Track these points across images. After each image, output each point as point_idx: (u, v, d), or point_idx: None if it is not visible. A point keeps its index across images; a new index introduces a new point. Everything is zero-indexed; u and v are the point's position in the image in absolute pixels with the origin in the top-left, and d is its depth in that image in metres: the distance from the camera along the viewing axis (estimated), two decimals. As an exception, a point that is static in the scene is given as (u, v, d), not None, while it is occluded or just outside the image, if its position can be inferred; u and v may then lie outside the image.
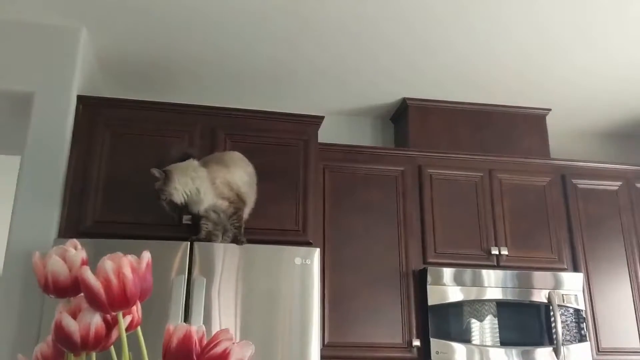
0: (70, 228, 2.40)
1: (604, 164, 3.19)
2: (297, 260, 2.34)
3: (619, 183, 3.16)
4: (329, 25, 2.64)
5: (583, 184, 3.12)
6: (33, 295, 2.25)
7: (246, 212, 2.40)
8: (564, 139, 3.68)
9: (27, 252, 2.31)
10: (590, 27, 2.65)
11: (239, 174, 2.39)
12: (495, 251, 2.89)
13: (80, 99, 2.59)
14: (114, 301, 0.72)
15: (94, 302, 0.73)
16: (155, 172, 2.27)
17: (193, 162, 2.33)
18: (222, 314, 2.23)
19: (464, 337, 2.68)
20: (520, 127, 3.33)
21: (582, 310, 2.81)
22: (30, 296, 2.26)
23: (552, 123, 3.52)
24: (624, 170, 3.20)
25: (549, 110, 3.38)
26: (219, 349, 0.77)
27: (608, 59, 2.91)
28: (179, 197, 2.26)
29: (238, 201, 2.36)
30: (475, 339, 2.69)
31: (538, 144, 3.30)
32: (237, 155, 2.46)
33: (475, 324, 2.71)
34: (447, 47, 2.81)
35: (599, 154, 3.70)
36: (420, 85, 3.15)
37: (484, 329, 2.71)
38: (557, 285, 2.83)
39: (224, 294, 2.25)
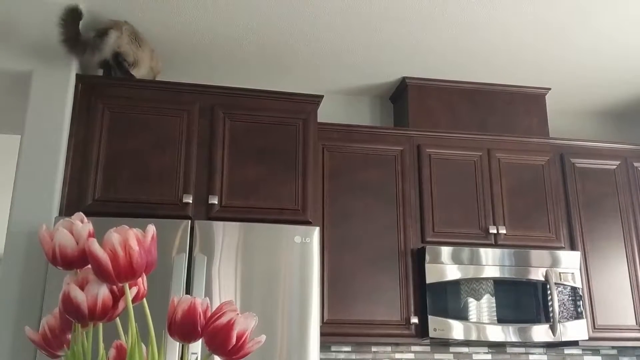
0: (70, 207, 2.41)
1: (602, 143, 3.20)
2: (297, 239, 2.36)
3: (617, 162, 3.17)
4: (327, 2, 2.62)
5: (581, 163, 3.13)
6: (35, 273, 2.27)
7: None
8: (563, 118, 3.69)
9: (29, 231, 2.32)
10: (589, 6, 2.64)
11: None
12: (493, 230, 2.91)
13: (80, 78, 2.58)
14: (120, 272, 0.74)
15: (101, 273, 0.74)
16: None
17: None
18: (223, 291, 2.25)
19: (462, 315, 2.71)
20: (520, 107, 3.32)
21: (578, 288, 2.84)
22: (32, 275, 2.27)
23: (551, 102, 3.52)
24: (623, 149, 3.21)
25: (549, 89, 3.38)
26: (223, 320, 0.79)
27: (607, 38, 2.90)
28: None
29: None
30: (473, 316, 2.72)
31: (537, 123, 3.31)
32: None
33: (472, 302, 2.74)
34: (447, 26, 2.80)
35: (597, 133, 3.70)
36: (419, 65, 3.14)
37: (481, 306, 2.74)
38: (555, 263, 2.85)
39: (224, 272, 2.27)
